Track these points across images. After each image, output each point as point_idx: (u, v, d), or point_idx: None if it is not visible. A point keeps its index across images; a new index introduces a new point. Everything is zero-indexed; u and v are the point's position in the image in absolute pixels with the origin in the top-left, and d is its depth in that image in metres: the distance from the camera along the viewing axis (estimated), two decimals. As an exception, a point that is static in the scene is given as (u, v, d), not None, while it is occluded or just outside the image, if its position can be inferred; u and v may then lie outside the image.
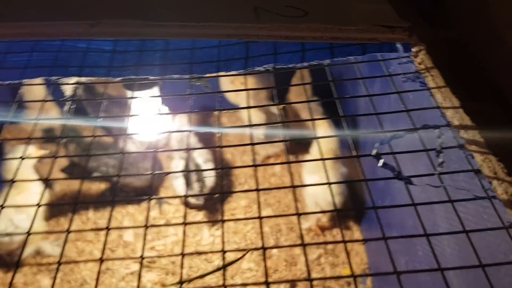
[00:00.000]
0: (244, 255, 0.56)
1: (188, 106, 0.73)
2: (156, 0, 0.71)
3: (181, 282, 0.54)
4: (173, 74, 0.76)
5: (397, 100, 0.72)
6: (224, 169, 1.84)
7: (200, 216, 1.79)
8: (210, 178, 1.68)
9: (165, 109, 1.45)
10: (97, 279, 0.60)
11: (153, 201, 1.79)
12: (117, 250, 1.67)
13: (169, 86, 0.74)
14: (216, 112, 0.76)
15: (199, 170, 1.68)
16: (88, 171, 1.76)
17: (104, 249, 0.60)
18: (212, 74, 0.76)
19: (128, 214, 1.79)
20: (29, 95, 1.44)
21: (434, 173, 0.61)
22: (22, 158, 0.67)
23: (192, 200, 1.76)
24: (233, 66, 0.77)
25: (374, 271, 1.55)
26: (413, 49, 0.72)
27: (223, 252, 0.56)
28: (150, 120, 1.14)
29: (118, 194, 1.80)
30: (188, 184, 1.64)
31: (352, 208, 1.72)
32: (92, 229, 1.77)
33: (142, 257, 0.59)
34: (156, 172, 0.71)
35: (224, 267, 0.54)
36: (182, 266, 0.57)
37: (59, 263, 0.56)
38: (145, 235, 0.62)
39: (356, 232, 1.71)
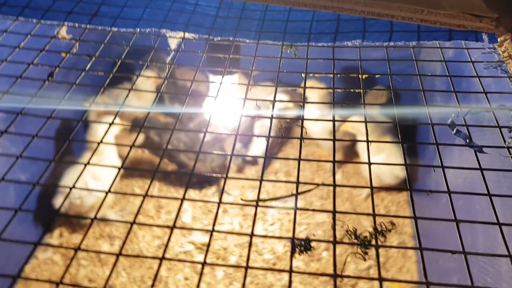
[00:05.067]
0: (315, 187, 0.61)
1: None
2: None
3: (257, 200, 0.59)
4: (267, 40, 0.84)
5: (476, 85, 0.75)
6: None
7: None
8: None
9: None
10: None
11: (213, 189, 1.87)
12: (174, 229, 1.75)
13: (262, 50, 0.82)
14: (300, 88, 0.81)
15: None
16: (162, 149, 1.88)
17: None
18: (302, 44, 0.83)
19: (189, 197, 1.87)
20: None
21: (504, 146, 0.64)
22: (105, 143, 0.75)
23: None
24: (323, 39, 0.83)
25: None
26: (499, 39, 0.75)
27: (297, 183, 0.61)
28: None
29: (183, 178, 1.90)
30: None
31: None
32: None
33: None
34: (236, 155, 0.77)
35: (297, 194, 0.59)
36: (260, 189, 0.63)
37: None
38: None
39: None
